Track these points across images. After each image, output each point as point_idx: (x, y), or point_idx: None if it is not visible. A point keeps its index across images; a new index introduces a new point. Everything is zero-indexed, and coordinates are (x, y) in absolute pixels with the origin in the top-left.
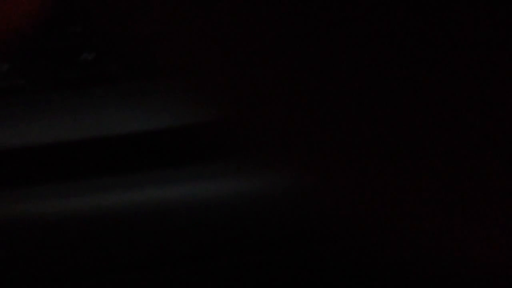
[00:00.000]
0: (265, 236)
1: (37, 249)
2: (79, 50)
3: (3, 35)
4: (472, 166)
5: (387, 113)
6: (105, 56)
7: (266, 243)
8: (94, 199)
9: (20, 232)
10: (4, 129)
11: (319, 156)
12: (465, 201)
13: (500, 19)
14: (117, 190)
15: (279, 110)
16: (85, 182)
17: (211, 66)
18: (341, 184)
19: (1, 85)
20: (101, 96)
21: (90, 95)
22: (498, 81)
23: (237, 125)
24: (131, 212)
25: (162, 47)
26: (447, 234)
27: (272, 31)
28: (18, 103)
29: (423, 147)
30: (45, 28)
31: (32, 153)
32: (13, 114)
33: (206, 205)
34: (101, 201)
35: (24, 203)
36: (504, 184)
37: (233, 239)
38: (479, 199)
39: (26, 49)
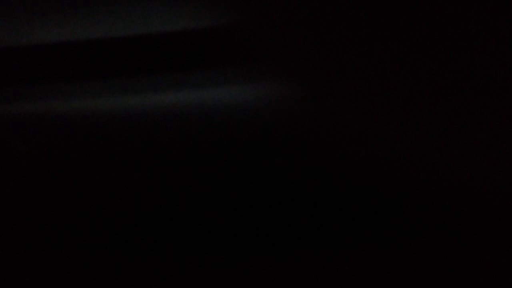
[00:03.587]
0: (260, 144)
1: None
2: None
3: None
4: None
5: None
6: None
7: (261, 152)
8: (101, 101)
9: (71, 125)
10: (51, 25)
11: (320, 69)
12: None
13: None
14: (118, 92)
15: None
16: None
17: None
18: (340, 98)
19: None
20: None
21: None
22: None
23: (244, 31)
24: (136, 114)
25: None
26: (443, 153)
27: None
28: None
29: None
30: None
31: (73, 49)
32: (59, 10)
33: (206, 110)
34: (111, 103)
35: (67, 98)
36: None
37: (229, 145)
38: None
39: None
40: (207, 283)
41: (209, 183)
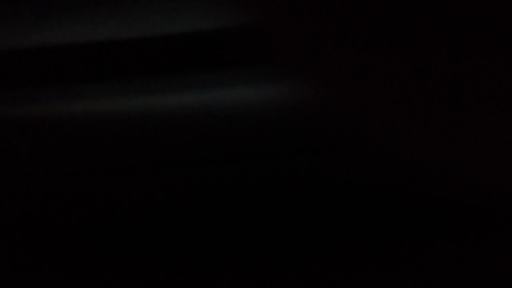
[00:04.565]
0: (278, 143)
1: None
2: None
3: None
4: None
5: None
6: None
7: (281, 150)
8: (116, 101)
9: (83, 127)
10: (59, 27)
11: (337, 70)
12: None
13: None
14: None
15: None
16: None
17: None
18: (356, 98)
19: None
20: None
21: None
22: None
23: (265, 31)
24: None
25: None
26: (447, 152)
27: None
28: (71, 2)
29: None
30: None
31: (75, 52)
32: (64, 12)
33: (223, 110)
34: (129, 103)
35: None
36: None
37: (249, 144)
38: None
39: None
40: (207, 283)
41: (224, 182)
